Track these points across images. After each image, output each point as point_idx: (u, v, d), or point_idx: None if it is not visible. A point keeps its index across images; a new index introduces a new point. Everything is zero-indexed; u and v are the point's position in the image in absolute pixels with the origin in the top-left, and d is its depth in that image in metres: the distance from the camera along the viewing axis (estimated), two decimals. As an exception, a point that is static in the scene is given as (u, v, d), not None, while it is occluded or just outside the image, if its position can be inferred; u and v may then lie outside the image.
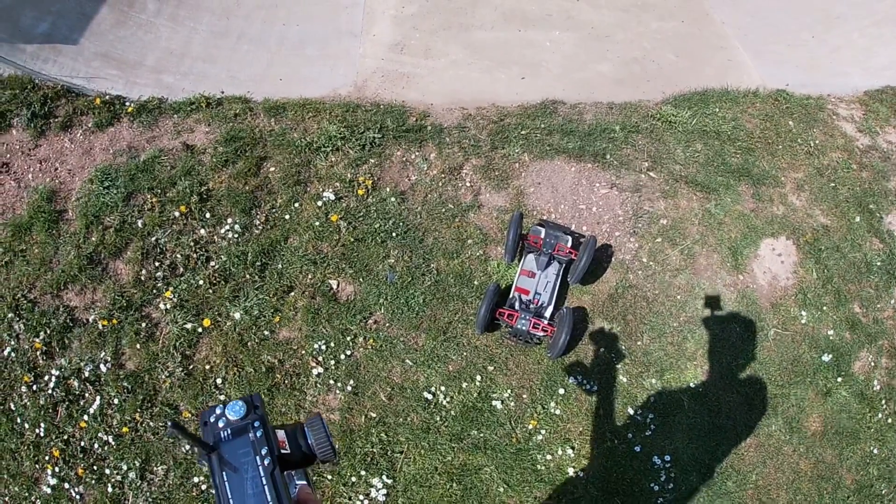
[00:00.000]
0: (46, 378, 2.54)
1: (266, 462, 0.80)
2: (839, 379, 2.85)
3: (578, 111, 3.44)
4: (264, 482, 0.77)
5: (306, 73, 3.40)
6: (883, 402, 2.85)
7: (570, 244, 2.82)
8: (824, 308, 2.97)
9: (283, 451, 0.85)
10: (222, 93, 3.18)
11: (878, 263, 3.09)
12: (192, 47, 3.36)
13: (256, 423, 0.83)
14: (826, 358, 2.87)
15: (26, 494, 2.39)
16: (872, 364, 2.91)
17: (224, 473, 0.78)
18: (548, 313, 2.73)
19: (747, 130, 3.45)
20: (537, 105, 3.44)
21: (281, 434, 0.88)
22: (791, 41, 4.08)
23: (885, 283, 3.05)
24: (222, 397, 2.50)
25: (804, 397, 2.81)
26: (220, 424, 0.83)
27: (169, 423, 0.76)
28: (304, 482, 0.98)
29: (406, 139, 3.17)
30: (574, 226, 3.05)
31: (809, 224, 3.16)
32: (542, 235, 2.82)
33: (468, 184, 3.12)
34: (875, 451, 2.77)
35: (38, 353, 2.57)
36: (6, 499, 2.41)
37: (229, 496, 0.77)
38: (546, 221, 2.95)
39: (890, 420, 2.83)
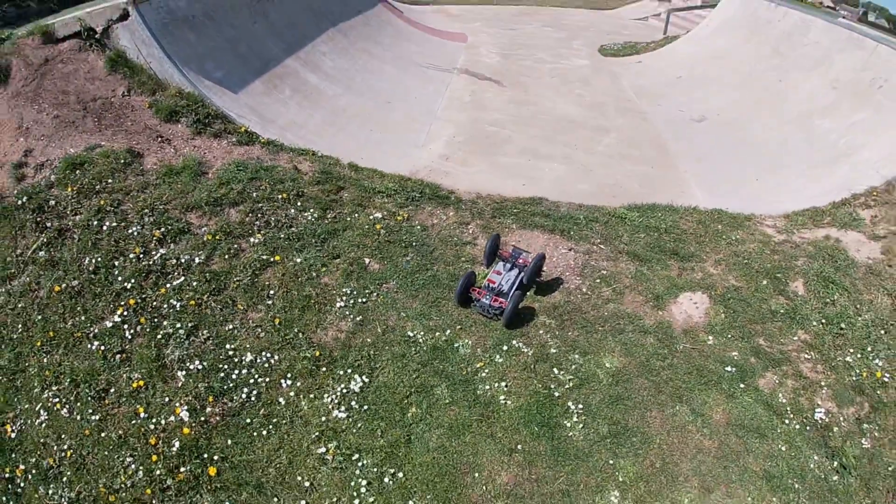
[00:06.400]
0: (153, 254, 3.76)
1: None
2: (742, 385, 3.47)
3: (556, 205, 4.93)
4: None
5: (380, 159, 5.30)
6: (790, 413, 3.37)
7: (529, 259, 4.04)
8: (729, 336, 3.75)
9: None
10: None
11: (783, 311, 3.88)
12: (309, 124, 5.48)
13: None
14: (730, 369, 3.55)
15: (88, 324, 3.48)
16: (777, 382, 3.51)
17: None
18: (503, 297, 3.82)
19: (682, 229, 4.69)
20: (528, 199, 4.99)
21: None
22: (739, 182, 5.47)
23: (789, 326, 3.80)
24: (269, 303, 3.71)
25: (709, 395, 3.44)
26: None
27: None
28: None
29: (435, 202, 4.77)
30: (539, 262, 4.26)
31: (722, 284, 4.12)
32: (511, 252, 4.08)
33: (470, 232, 4.54)
34: (784, 449, 3.20)
35: (154, 239, 3.84)
36: (73, 319, 3.45)
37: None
38: (516, 247, 4.23)
39: (797, 427, 3.30)
